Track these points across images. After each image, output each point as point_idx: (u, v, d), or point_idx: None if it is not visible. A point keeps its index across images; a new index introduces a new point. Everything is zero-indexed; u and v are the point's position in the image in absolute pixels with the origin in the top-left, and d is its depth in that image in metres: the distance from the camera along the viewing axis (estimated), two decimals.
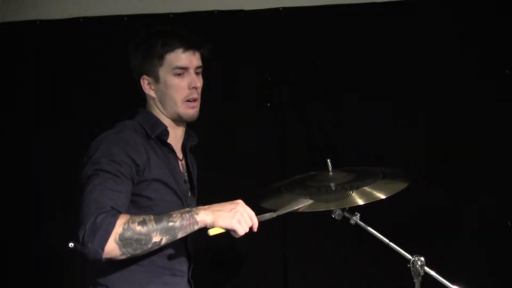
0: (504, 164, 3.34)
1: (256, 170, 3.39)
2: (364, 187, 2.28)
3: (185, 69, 2.24)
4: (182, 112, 2.25)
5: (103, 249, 1.90)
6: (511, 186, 3.32)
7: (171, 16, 3.48)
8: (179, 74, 2.23)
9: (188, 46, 2.24)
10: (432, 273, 2.22)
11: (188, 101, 2.25)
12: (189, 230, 2.01)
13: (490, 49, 3.38)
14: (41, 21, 3.50)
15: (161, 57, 2.22)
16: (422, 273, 2.21)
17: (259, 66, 3.46)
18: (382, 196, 2.25)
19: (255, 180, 3.27)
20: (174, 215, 1.99)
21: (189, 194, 2.32)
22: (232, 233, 2.05)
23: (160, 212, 2.07)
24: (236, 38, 3.44)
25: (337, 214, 2.34)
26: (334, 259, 3.40)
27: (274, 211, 2.17)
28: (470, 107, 3.38)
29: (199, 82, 2.27)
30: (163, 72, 2.24)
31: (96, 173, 2.03)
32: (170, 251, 2.18)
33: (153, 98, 2.27)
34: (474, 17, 3.39)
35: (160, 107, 2.27)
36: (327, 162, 2.41)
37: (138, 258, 2.09)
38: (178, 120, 2.28)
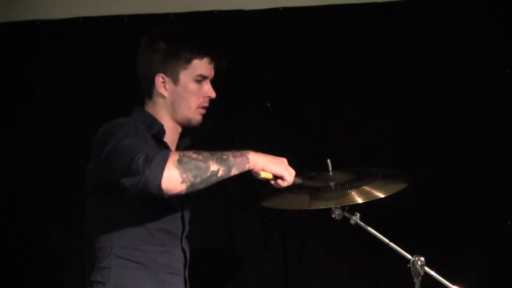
0: (504, 164, 3.34)
1: None
2: (364, 187, 2.29)
3: (205, 78, 2.27)
4: (192, 118, 2.27)
5: (162, 172, 1.82)
6: (510, 186, 3.32)
7: (171, 16, 3.48)
8: (198, 81, 2.25)
9: (215, 58, 2.27)
10: (432, 273, 2.22)
11: (200, 108, 2.28)
12: (241, 167, 2.01)
13: (490, 49, 3.38)
14: (41, 21, 3.49)
15: (188, 61, 2.22)
16: (422, 273, 2.20)
17: (259, 66, 3.46)
18: (382, 196, 2.25)
19: (254, 180, 3.26)
20: (225, 152, 1.99)
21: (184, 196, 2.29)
22: (279, 181, 2.12)
23: (156, 211, 2.08)
24: (236, 38, 3.44)
25: (337, 214, 2.33)
26: (334, 259, 3.39)
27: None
28: (470, 107, 3.38)
29: (214, 93, 2.30)
30: (184, 76, 2.23)
31: (116, 131, 2.01)
32: (166, 247, 2.17)
33: (164, 98, 2.25)
34: (474, 17, 3.40)
35: (169, 108, 2.25)
36: (327, 162, 2.41)
37: (134, 255, 2.09)
38: (184, 124, 2.29)
